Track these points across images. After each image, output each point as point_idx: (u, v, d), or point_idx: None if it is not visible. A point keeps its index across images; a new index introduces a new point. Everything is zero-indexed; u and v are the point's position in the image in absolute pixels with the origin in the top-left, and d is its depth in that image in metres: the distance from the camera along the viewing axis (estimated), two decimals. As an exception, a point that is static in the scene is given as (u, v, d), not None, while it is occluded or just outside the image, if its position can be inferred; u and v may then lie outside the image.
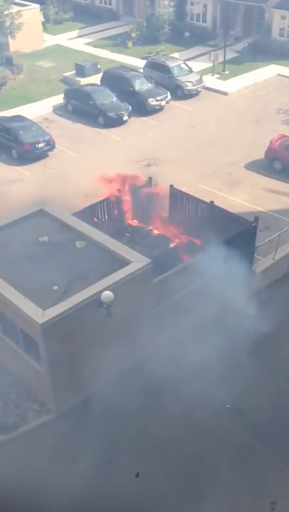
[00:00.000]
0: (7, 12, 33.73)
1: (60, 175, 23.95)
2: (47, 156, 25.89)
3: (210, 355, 13.61)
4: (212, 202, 17.82)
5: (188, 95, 31.74)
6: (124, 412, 13.61)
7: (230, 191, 22.73)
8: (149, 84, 30.73)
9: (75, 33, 43.05)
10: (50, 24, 43.65)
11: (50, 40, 41.24)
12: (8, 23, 34.01)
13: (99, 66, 33.92)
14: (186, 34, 40.73)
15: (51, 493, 12.16)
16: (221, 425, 13.75)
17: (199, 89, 32.07)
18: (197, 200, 18.19)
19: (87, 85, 30.92)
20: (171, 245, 17.54)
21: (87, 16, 45.74)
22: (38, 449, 13.12)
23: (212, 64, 34.35)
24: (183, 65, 32.87)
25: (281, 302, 17.33)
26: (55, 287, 13.48)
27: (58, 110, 30.80)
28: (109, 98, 29.35)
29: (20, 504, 12.11)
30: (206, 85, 32.50)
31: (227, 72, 34.57)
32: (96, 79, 32.51)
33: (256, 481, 12.62)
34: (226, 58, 34.74)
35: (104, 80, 31.56)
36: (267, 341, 15.59)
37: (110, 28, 43.55)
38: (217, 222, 17.56)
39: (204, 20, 40.92)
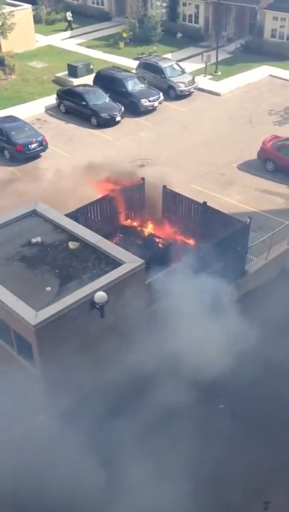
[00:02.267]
0: (-1, 12, 33.69)
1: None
2: (39, 156, 25.83)
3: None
4: (205, 202, 17.86)
5: (181, 96, 31.80)
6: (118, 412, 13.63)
7: (223, 192, 22.79)
8: (142, 85, 30.76)
9: (68, 33, 43.00)
10: (42, 24, 43.66)
11: (42, 40, 41.17)
12: (0, 23, 33.93)
13: (91, 67, 33.90)
14: (179, 35, 40.81)
15: (46, 495, 12.13)
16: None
17: (192, 90, 32.13)
18: (190, 201, 18.22)
19: (79, 86, 30.90)
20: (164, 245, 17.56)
21: (80, 17, 45.70)
22: (31, 450, 13.05)
23: (204, 65, 34.43)
24: (175, 66, 32.92)
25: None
26: (48, 288, 13.45)
27: (51, 111, 30.76)
28: (101, 99, 29.33)
29: (13, 505, 12.07)
30: (199, 86, 32.58)
31: (219, 73, 34.67)
32: (89, 79, 32.49)
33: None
34: (219, 59, 34.82)
35: (97, 81, 31.56)
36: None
37: (103, 29, 43.55)
38: (210, 222, 17.60)
39: (196, 21, 41.00)
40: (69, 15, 43.06)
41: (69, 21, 43.01)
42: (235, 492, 12.44)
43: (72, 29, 43.07)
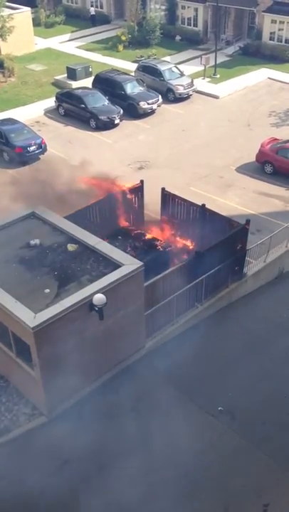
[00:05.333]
0: (-2, 15, 33.76)
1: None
2: (38, 159, 25.87)
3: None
4: (204, 205, 17.88)
5: (180, 99, 31.86)
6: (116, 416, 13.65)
7: (221, 194, 22.83)
8: (141, 88, 30.83)
9: (67, 36, 43.15)
10: (41, 27, 43.81)
11: (41, 43, 41.28)
12: (-1, 26, 34.04)
13: (90, 69, 33.99)
14: (178, 38, 40.92)
15: (42, 497, 12.13)
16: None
17: (190, 93, 32.20)
18: (189, 203, 18.24)
19: (78, 88, 30.96)
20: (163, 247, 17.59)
21: (79, 20, 45.87)
22: (30, 453, 13.06)
23: (203, 67, 34.53)
24: (174, 69, 32.99)
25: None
26: (47, 290, 13.45)
27: (50, 113, 30.82)
28: (100, 101, 29.39)
29: (10, 507, 12.06)
30: (198, 89, 32.66)
31: (218, 76, 34.76)
32: (87, 82, 32.56)
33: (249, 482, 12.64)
34: (217, 62, 34.94)
35: (96, 84, 31.63)
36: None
37: (102, 32, 43.68)
38: (209, 224, 17.63)
39: (195, 24, 41.12)
40: (92, 10, 43.38)
41: (92, 16, 43.28)
42: (235, 494, 12.44)
43: (94, 25, 43.69)
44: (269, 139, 25.03)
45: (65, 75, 34.16)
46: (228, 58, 37.74)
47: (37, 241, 15.04)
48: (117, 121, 29.00)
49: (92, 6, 44.44)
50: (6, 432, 13.59)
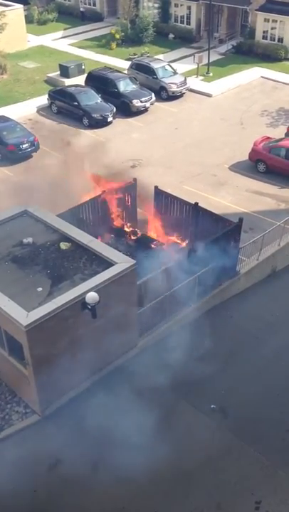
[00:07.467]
0: (-10, 12, 33.62)
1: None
2: (31, 156, 25.79)
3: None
4: (196, 203, 17.90)
5: (173, 97, 31.85)
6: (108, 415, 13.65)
7: (214, 192, 22.86)
8: (134, 86, 30.79)
9: (59, 33, 42.98)
10: (34, 24, 43.64)
11: (33, 40, 41.11)
12: (-9, 24, 33.90)
13: (83, 67, 33.90)
14: (171, 36, 40.89)
15: (36, 497, 12.12)
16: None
17: (184, 91, 32.19)
18: (182, 202, 18.25)
19: (71, 86, 30.86)
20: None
21: (72, 17, 45.72)
22: (22, 452, 13.03)
23: (196, 66, 34.53)
24: (167, 67, 32.97)
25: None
26: (40, 289, 13.42)
27: (43, 111, 30.72)
28: (93, 99, 29.33)
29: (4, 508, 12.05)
30: (191, 87, 32.65)
31: (211, 74, 34.78)
32: (80, 80, 32.48)
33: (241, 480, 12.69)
34: (210, 60, 34.96)
35: (89, 81, 31.55)
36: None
37: (94, 29, 43.56)
38: (201, 223, 17.65)
39: (188, 23, 41.09)
40: (82, 6, 43.32)
41: (82, 12, 43.16)
42: (227, 492, 12.49)
43: (84, 22, 43.71)
44: (262, 138, 25.09)
45: (58, 72, 34.05)
46: (221, 57, 37.76)
47: (30, 239, 14.99)
48: (109, 119, 28.95)
49: (82, 2, 44.36)
50: None
